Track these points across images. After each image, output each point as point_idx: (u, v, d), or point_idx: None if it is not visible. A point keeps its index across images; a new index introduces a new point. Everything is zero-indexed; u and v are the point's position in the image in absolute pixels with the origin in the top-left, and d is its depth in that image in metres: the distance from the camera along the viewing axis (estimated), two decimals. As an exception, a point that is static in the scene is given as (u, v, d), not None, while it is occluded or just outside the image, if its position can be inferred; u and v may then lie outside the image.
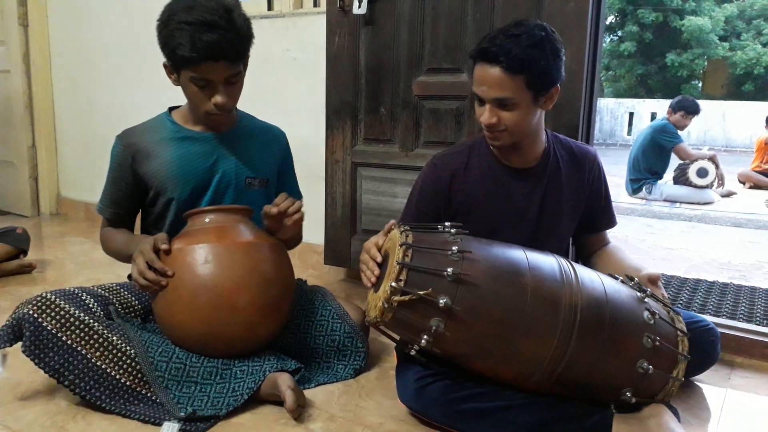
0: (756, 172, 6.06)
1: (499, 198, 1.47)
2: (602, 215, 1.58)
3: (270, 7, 2.68)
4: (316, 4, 2.55)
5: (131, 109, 2.90)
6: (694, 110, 4.90)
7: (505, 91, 1.31)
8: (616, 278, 1.33)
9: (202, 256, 1.35)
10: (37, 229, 3.22)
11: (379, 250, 1.29)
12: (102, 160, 1.58)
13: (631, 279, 1.33)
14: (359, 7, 2.08)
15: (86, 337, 1.32)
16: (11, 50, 3.40)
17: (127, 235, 1.57)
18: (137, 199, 1.58)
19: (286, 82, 2.57)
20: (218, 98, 1.43)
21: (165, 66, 1.46)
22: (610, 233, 1.64)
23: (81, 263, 2.56)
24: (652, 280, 1.38)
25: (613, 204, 1.62)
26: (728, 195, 5.26)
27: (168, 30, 1.38)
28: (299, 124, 2.41)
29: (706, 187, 4.91)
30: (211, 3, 1.37)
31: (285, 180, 1.72)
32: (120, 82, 3.16)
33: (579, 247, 1.65)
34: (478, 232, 1.30)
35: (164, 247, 1.37)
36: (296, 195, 1.76)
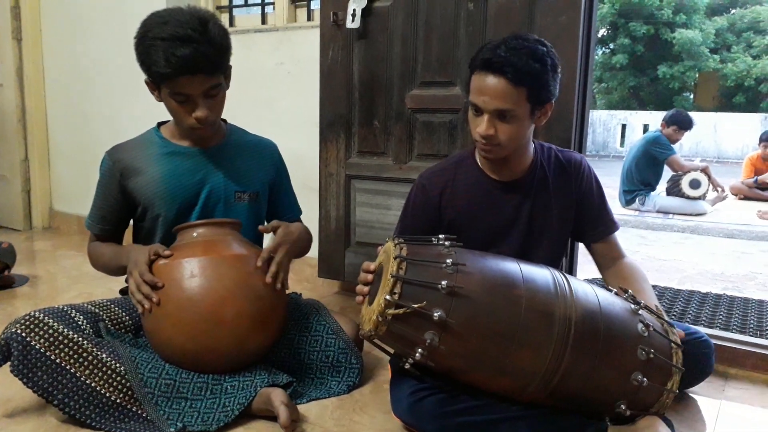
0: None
1: (488, 211, 1.47)
2: (597, 222, 1.53)
3: (264, 21, 2.70)
4: (309, 18, 2.57)
5: (124, 123, 2.90)
6: (686, 126, 4.92)
7: (507, 102, 1.30)
8: (610, 290, 1.33)
9: (188, 270, 1.35)
10: (29, 243, 3.20)
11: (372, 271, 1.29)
12: (95, 174, 1.57)
13: (625, 291, 1.33)
14: (353, 21, 2.09)
15: (75, 356, 1.31)
16: (5, 64, 3.40)
17: (115, 248, 1.56)
18: (126, 215, 1.58)
19: (280, 96, 2.57)
20: (198, 112, 1.42)
21: (147, 83, 1.46)
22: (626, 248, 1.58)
23: (73, 277, 2.55)
24: None
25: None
26: (719, 200, 5.21)
27: (143, 47, 1.38)
28: (293, 137, 2.41)
29: (699, 198, 4.93)
30: (185, 16, 1.37)
31: (281, 193, 1.72)
32: (113, 96, 3.16)
33: (593, 256, 1.59)
34: (469, 245, 1.29)
35: (166, 252, 1.37)
36: (294, 208, 1.75)
